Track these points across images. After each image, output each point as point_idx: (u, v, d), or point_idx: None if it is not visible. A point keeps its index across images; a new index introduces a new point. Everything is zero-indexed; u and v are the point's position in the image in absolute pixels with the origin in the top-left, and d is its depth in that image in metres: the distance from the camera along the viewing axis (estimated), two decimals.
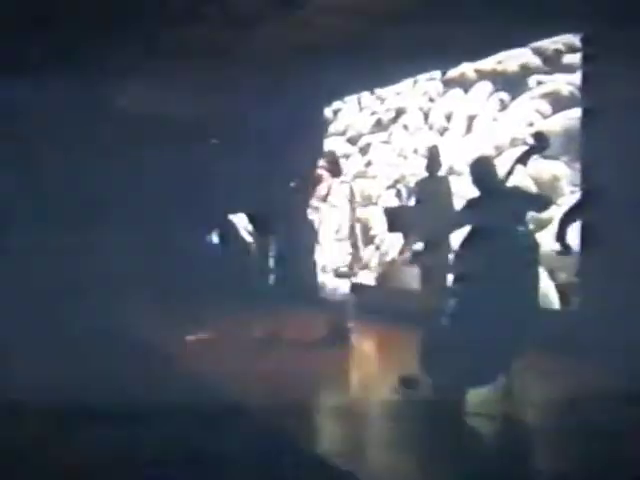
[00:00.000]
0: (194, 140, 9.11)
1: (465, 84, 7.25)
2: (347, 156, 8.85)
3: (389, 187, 8.18)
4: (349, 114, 8.99)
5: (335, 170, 6.13)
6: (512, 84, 6.71)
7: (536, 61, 6.52)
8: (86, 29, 7.12)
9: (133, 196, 8.78)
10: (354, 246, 6.13)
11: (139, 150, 8.92)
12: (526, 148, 4.98)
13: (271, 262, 6.27)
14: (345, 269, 6.11)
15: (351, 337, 6.15)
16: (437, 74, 7.62)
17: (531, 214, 5.00)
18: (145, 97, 9.03)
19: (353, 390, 5.10)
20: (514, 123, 6.66)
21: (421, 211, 7.23)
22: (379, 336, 6.64)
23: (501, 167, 4.98)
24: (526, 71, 6.58)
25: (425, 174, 6.81)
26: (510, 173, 4.91)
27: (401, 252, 8.04)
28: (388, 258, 8.24)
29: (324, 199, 6.10)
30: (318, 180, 6.12)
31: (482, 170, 5.12)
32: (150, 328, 6.65)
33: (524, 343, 4.55)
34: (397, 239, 7.88)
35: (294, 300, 7.14)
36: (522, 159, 4.92)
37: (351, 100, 8.98)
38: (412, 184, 7.54)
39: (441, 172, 6.93)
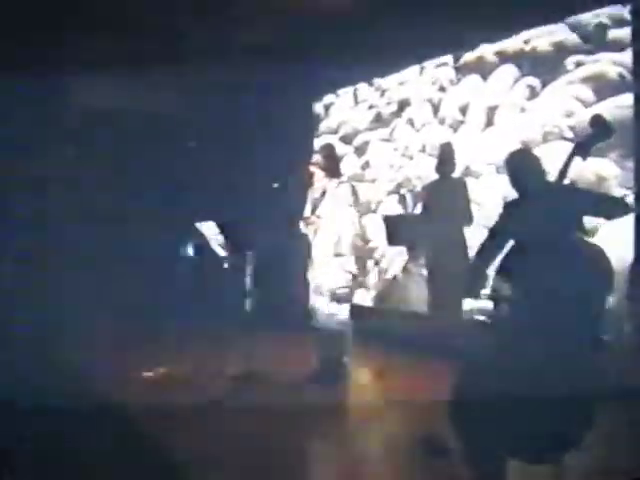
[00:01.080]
0: (168, 140, 8.17)
1: (484, 69, 6.20)
2: (341, 157, 7.65)
3: (391, 192, 7.15)
4: (343, 109, 7.99)
5: (332, 168, 4.97)
6: (544, 67, 5.66)
7: (574, 38, 5.45)
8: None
9: (90, 197, 7.66)
10: (358, 262, 4.94)
11: (101, 149, 8.01)
12: (585, 136, 3.82)
13: (249, 281, 5.04)
14: (345, 291, 4.91)
15: (349, 374, 4.94)
16: (449, 59, 6.59)
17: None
18: (114, 94, 8.09)
19: (353, 454, 3.85)
20: (547, 114, 5.56)
21: (429, 220, 6.19)
22: (384, 372, 5.44)
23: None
24: (561, 51, 5.52)
25: (435, 176, 5.88)
26: (566, 169, 3.77)
27: (404, 269, 6.92)
28: (389, 275, 7.08)
29: (318, 204, 4.94)
30: (311, 180, 4.97)
31: (525, 165, 3.95)
32: (99, 360, 5.41)
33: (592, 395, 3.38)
34: (400, 253, 6.80)
35: (278, 328, 6.02)
36: (581, 150, 3.74)
37: (345, 93, 7.97)
38: (419, 188, 6.61)
39: (455, 174, 5.91)
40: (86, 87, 7.82)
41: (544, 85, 5.64)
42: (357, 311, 5.37)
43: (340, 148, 7.66)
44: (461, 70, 6.43)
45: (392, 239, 6.34)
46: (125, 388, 4.71)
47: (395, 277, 7.08)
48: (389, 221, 6.19)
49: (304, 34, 6.94)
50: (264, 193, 7.45)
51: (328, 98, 8.22)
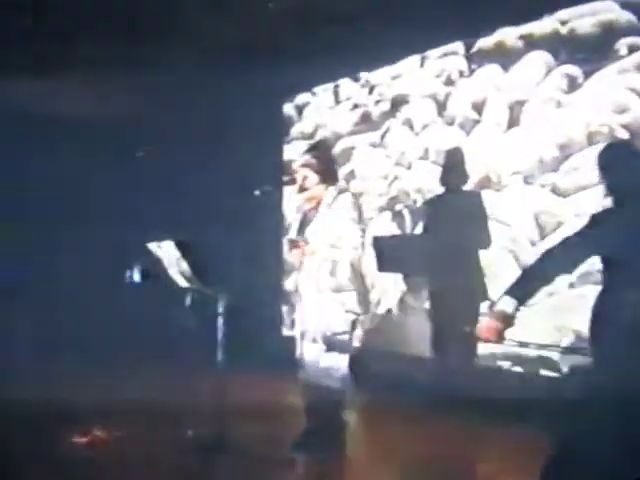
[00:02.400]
0: (118, 147, 7.29)
1: (505, 58, 5.19)
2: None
3: (382, 208, 6.12)
4: (320, 109, 7.00)
5: (328, 172, 3.81)
6: (587, 53, 4.66)
7: (627, 17, 4.45)
8: None
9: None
10: (361, 299, 3.79)
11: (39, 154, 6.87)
12: None
13: (220, 322, 3.81)
14: (344, 338, 3.71)
15: (346, 440, 3.80)
16: (458, 47, 5.57)
17: None
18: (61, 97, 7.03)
19: None
20: (592, 109, 4.55)
21: (433, 242, 5.18)
22: (389, 436, 4.25)
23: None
24: (610, 33, 4.55)
25: (440, 189, 5.10)
26: None
27: (401, 302, 5.84)
28: (381, 310, 5.94)
29: (309, 220, 3.81)
30: (300, 189, 3.82)
31: (622, 163, 2.92)
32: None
33: None
34: (395, 283, 5.81)
35: (255, 381, 4.77)
36: None
37: (323, 91, 6.98)
38: (419, 203, 5.67)
39: (466, 186, 5.02)
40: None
41: (587, 75, 4.66)
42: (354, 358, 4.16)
43: None
44: (475, 59, 5.43)
45: (385, 265, 5.44)
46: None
47: (389, 312, 5.95)
48: (381, 243, 5.31)
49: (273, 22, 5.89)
50: (229, 209, 6.58)
51: (301, 97, 7.23)
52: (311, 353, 3.70)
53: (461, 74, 5.51)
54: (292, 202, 6.43)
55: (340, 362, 3.70)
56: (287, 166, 7.06)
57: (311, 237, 3.71)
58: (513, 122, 5.08)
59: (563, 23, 4.85)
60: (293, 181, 3.86)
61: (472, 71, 5.43)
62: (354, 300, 3.70)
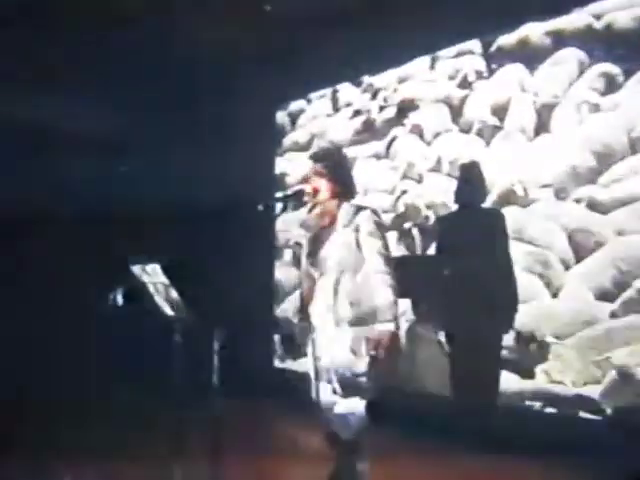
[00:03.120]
0: (98, 162, 6.84)
1: (530, 56, 4.72)
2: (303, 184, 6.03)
3: (388, 226, 5.48)
4: (317, 117, 6.56)
5: (343, 183, 3.30)
6: (627, 49, 4.20)
7: None
8: None
9: None
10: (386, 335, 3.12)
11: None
12: None
13: (215, 359, 3.26)
14: (363, 378, 3.14)
15: None
16: (475, 45, 5.11)
17: None
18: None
19: None
20: (635, 112, 4.11)
21: (446, 264, 4.83)
22: None
23: None
24: None
25: (453, 206, 4.85)
26: None
27: (409, 331, 5.33)
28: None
29: (323, 242, 3.26)
30: (311, 204, 3.31)
31: None
32: None
33: None
34: (402, 310, 5.21)
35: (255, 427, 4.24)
36: None
37: (320, 97, 6.52)
38: (431, 221, 5.22)
39: (485, 202, 4.68)
40: None
41: (628, 74, 4.19)
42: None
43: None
44: (495, 58, 4.95)
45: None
46: None
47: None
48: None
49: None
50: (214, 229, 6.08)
51: (296, 104, 6.77)
52: (326, 396, 3.20)
53: (479, 75, 5.03)
54: (290, 220, 5.91)
55: (358, 407, 3.16)
56: (280, 180, 6.71)
57: (325, 262, 3.20)
58: (541, 128, 4.61)
59: (597, 17, 4.39)
60: (299, 195, 3.30)
61: (492, 71, 4.95)
62: (376, 336, 3.11)
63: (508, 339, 4.56)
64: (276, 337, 6.62)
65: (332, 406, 3.15)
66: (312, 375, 3.26)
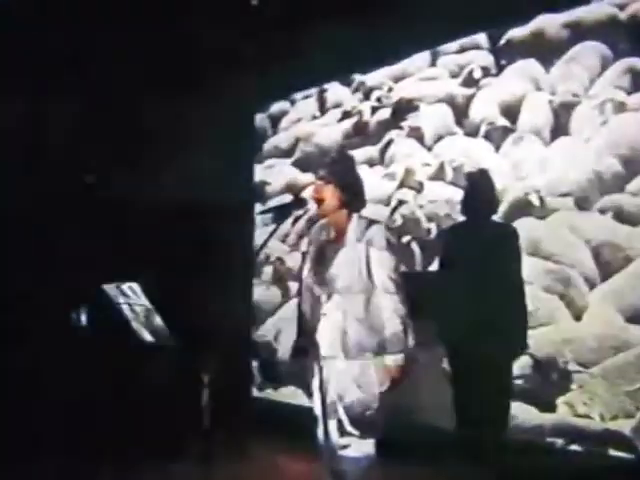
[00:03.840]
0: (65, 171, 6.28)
1: (545, 51, 4.45)
2: (300, 191, 5.87)
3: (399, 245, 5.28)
4: (301, 120, 6.30)
5: (352, 192, 3.04)
6: None
7: None
8: None
9: None
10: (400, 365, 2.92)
11: None
12: None
13: (205, 395, 3.14)
14: (374, 415, 2.89)
15: None
16: (481, 39, 4.83)
17: None
18: None
19: None
20: None
21: (450, 283, 4.33)
22: None
23: None
24: None
25: (458, 218, 4.37)
26: None
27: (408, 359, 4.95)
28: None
29: (330, 259, 3.02)
30: (318, 213, 3.09)
31: None
32: None
33: None
34: None
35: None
36: None
37: (305, 97, 6.27)
38: (432, 234, 4.98)
39: (495, 215, 4.24)
40: None
41: None
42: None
43: (298, 178, 6.11)
44: (504, 53, 4.67)
45: None
46: None
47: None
48: None
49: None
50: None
51: (278, 106, 6.50)
52: (334, 435, 2.94)
53: (486, 72, 4.76)
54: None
55: (369, 449, 2.93)
56: (259, 189, 6.44)
57: (334, 282, 2.93)
58: (559, 130, 4.33)
59: (621, 7, 4.12)
60: (301, 203, 3.07)
61: (501, 68, 4.68)
62: (390, 366, 2.89)
63: (525, 367, 4.25)
64: (254, 363, 6.31)
65: (342, 447, 2.91)
66: (319, 412, 3.00)
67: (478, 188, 4.35)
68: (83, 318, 5.48)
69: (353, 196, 3.00)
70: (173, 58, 5.84)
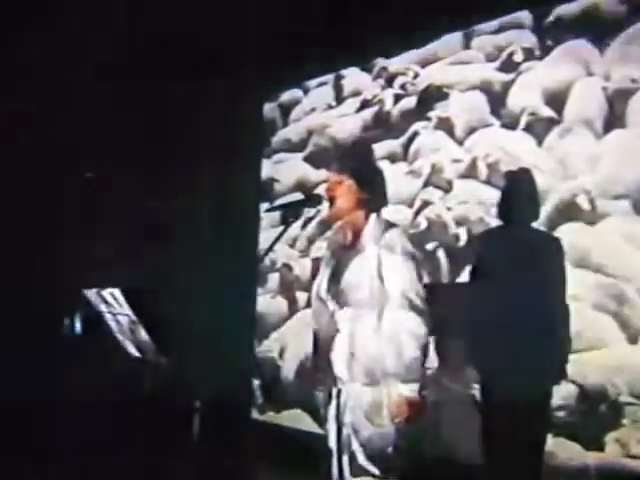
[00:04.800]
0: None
1: (599, 29, 4.20)
2: (312, 189, 5.73)
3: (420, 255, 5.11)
4: (315, 110, 6.21)
5: (371, 188, 2.85)
6: None
7: None
8: None
9: None
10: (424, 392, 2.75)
11: None
12: None
13: (196, 422, 3.00)
14: (389, 451, 2.66)
15: None
16: (524, 16, 4.61)
17: None
18: None
19: None
20: None
21: (484, 296, 4.01)
22: None
23: None
24: None
25: (493, 223, 4.20)
26: None
27: (429, 381, 4.67)
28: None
29: (343, 267, 2.83)
30: (330, 211, 2.89)
31: None
32: None
33: None
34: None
35: None
36: None
37: (319, 85, 6.18)
38: (462, 241, 4.83)
39: (537, 220, 3.97)
40: None
41: None
42: None
43: (312, 175, 6.00)
44: (550, 33, 4.43)
45: None
46: None
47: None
48: None
49: None
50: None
51: (289, 94, 6.41)
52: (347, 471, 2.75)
53: (529, 54, 4.54)
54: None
55: None
56: (267, 187, 6.30)
57: (348, 294, 2.74)
58: (614, 122, 4.08)
59: None
60: (314, 201, 2.91)
61: (546, 50, 4.46)
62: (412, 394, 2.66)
63: (569, 397, 3.96)
64: (256, 382, 6.13)
65: None
66: (333, 444, 2.79)
67: (518, 189, 4.09)
68: (78, 327, 5.36)
69: (372, 193, 2.80)
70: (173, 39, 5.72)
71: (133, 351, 3.46)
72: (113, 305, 3.39)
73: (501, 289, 3.96)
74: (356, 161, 2.85)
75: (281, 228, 3.00)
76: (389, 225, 2.73)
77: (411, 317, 2.62)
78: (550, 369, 3.92)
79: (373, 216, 2.75)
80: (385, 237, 2.70)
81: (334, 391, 2.77)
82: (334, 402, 2.76)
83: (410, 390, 2.61)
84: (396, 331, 2.62)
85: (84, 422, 4.98)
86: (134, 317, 3.27)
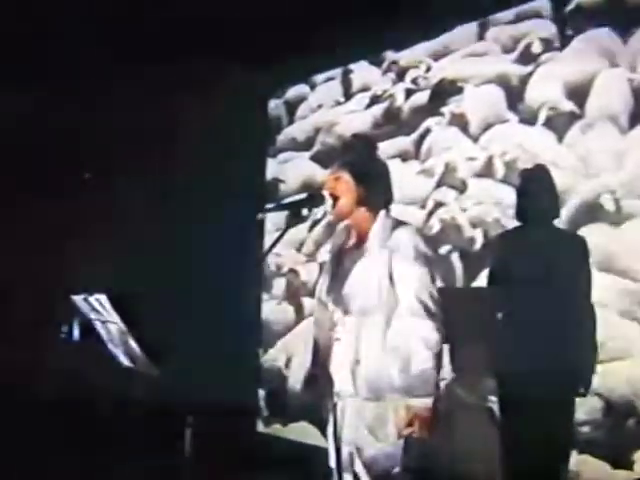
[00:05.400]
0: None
1: (623, 17, 4.12)
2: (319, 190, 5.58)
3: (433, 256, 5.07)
4: (322, 106, 6.20)
5: (373, 185, 2.76)
6: None
7: None
8: None
9: None
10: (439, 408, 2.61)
11: None
12: None
13: (188, 437, 3.01)
14: (398, 470, 2.57)
15: None
16: (543, 5, 4.56)
17: None
18: None
19: None
20: None
21: (502, 302, 3.98)
22: None
23: None
24: None
25: (510, 224, 4.13)
26: None
27: (445, 391, 4.61)
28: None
29: (347, 270, 2.75)
30: (332, 212, 2.80)
31: None
32: None
33: None
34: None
35: None
36: None
37: (327, 79, 6.17)
38: (478, 244, 4.78)
39: (559, 218, 3.92)
40: None
41: None
42: None
43: (319, 175, 5.88)
44: (570, 22, 4.35)
45: None
46: None
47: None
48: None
49: None
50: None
51: (295, 90, 6.40)
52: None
53: (548, 45, 4.48)
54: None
55: None
56: (272, 187, 6.31)
57: (350, 300, 2.64)
58: None
59: None
60: (320, 200, 2.75)
61: (567, 40, 4.39)
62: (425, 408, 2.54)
63: (593, 410, 3.87)
64: (261, 393, 6.12)
65: None
66: (333, 464, 2.72)
67: (534, 186, 3.99)
68: (76, 332, 5.38)
69: (372, 188, 2.69)
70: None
71: (126, 362, 3.38)
72: (101, 312, 3.34)
73: (520, 293, 3.86)
74: (353, 155, 2.76)
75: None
76: (398, 223, 2.62)
77: (423, 323, 2.50)
78: (575, 379, 3.82)
79: (381, 214, 2.64)
80: (394, 236, 2.59)
81: (329, 405, 2.68)
82: (331, 417, 2.67)
83: (420, 403, 2.49)
84: (406, 339, 2.51)
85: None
86: (124, 328, 3.20)
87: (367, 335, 2.55)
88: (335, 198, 2.70)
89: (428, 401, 2.51)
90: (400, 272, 2.56)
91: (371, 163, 2.76)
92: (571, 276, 3.84)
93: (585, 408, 3.82)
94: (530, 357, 3.90)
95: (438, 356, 2.51)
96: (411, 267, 2.54)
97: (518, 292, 3.90)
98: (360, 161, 2.74)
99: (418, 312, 2.51)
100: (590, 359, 3.85)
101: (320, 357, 2.76)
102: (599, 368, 3.78)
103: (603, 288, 3.80)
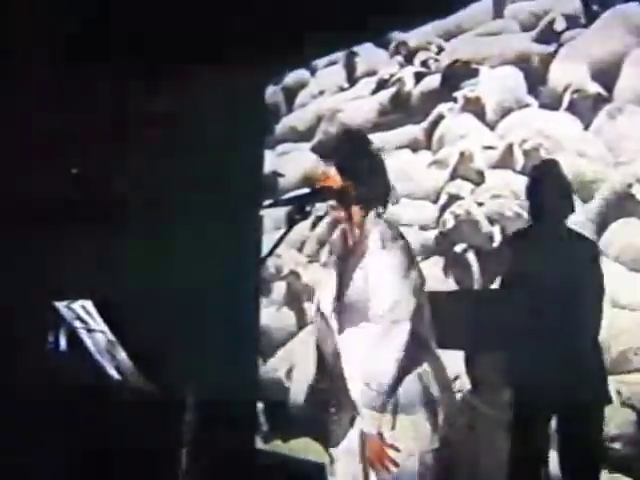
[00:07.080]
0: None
1: None
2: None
3: (429, 249, 5.33)
4: (324, 93, 6.26)
5: (360, 183, 2.82)
6: None
7: None
8: None
9: None
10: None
11: None
12: None
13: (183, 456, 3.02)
14: None
15: None
16: None
17: None
18: None
19: None
20: None
21: (514, 304, 3.98)
22: None
23: None
24: None
25: (525, 222, 4.29)
26: None
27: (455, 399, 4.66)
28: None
29: (346, 277, 2.82)
30: (331, 215, 3.05)
31: None
32: None
33: None
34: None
35: None
36: None
37: (330, 63, 6.21)
38: (495, 242, 4.84)
39: (573, 213, 3.92)
40: None
41: None
42: None
43: (318, 167, 5.77)
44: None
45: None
46: None
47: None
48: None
49: None
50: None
51: (295, 75, 6.45)
52: None
53: (572, 22, 4.51)
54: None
55: None
56: (270, 182, 6.33)
57: (352, 307, 2.71)
58: None
59: None
60: (320, 196, 2.84)
61: (592, 16, 4.42)
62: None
63: (624, 424, 3.84)
64: (260, 406, 6.16)
65: None
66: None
67: (544, 184, 4.00)
68: (62, 340, 5.47)
69: (360, 186, 2.74)
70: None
71: (115, 374, 3.42)
72: (87, 320, 3.36)
73: (540, 293, 3.84)
74: (343, 151, 2.82)
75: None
76: (389, 225, 2.69)
77: (392, 332, 2.53)
78: (591, 387, 3.78)
79: (372, 215, 2.70)
80: (394, 238, 2.65)
81: (345, 419, 2.67)
82: (350, 432, 2.66)
83: (369, 425, 2.54)
84: (376, 347, 2.56)
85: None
86: (112, 337, 3.22)
87: (358, 347, 2.60)
88: (328, 194, 2.76)
89: (372, 427, 2.52)
90: (403, 289, 2.59)
91: (359, 160, 2.79)
92: (583, 279, 3.85)
93: (616, 421, 3.81)
94: (546, 366, 3.92)
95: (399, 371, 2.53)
96: (382, 261, 2.60)
97: (537, 292, 3.91)
98: (350, 157, 2.79)
99: (386, 322, 2.56)
100: (599, 364, 3.84)
101: (327, 368, 2.80)
102: (631, 377, 3.82)
103: (632, 290, 3.88)
